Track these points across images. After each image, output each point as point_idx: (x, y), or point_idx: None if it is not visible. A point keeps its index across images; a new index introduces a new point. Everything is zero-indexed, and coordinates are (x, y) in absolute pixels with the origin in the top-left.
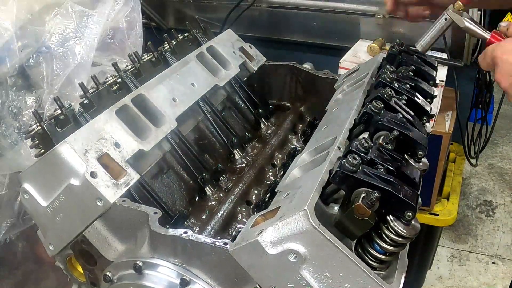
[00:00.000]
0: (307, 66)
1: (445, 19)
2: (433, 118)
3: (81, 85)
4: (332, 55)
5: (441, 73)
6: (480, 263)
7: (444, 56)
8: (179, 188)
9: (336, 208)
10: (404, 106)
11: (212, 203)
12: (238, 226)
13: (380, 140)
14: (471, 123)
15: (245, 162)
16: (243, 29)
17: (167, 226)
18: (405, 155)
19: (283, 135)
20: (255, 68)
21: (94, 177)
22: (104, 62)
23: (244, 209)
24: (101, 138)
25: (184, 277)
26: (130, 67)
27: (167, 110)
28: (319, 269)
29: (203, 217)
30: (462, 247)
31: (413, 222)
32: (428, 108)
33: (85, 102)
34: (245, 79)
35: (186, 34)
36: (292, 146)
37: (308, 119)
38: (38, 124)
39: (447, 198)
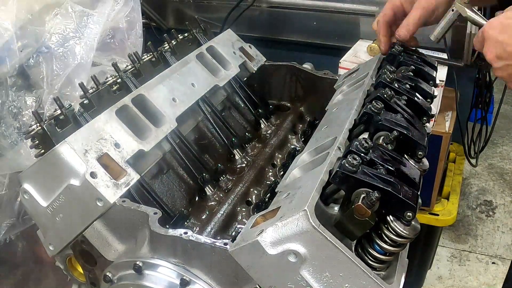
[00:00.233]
0: (307, 66)
1: (452, 10)
2: (433, 118)
3: (81, 85)
4: (332, 55)
5: (441, 73)
6: (480, 263)
7: (444, 56)
8: (179, 188)
9: (336, 208)
10: (404, 106)
11: (212, 203)
12: (238, 226)
13: (380, 141)
14: (471, 123)
15: (245, 162)
16: (243, 29)
17: (167, 226)
18: (405, 155)
19: (283, 135)
20: (255, 68)
21: (94, 177)
22: (104, 62)
23: (244, 209)
24: (101, 138)
25: (184, 277)
26: (130, 67)
27: (167, 110)
28: (319, 269)
29: (203, 217)
30: (462, 247)
31: (413, 222)
32: (427, 108)
33: (85, 102)
34: (245, 79)
35: (186, 34)
36: (292, 146)
37: (308, 119)
38: (38, 124)
39: (447, 198)
